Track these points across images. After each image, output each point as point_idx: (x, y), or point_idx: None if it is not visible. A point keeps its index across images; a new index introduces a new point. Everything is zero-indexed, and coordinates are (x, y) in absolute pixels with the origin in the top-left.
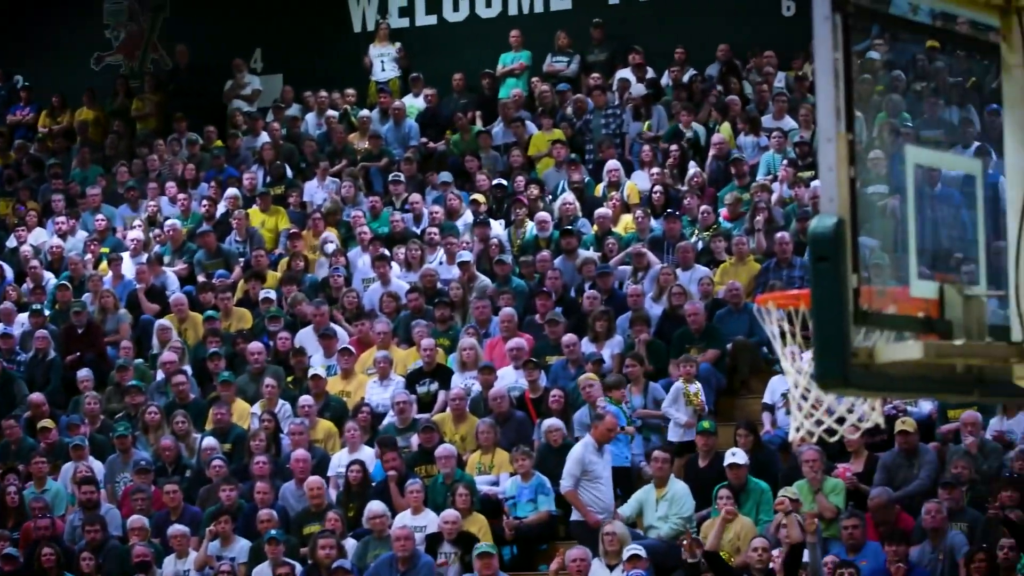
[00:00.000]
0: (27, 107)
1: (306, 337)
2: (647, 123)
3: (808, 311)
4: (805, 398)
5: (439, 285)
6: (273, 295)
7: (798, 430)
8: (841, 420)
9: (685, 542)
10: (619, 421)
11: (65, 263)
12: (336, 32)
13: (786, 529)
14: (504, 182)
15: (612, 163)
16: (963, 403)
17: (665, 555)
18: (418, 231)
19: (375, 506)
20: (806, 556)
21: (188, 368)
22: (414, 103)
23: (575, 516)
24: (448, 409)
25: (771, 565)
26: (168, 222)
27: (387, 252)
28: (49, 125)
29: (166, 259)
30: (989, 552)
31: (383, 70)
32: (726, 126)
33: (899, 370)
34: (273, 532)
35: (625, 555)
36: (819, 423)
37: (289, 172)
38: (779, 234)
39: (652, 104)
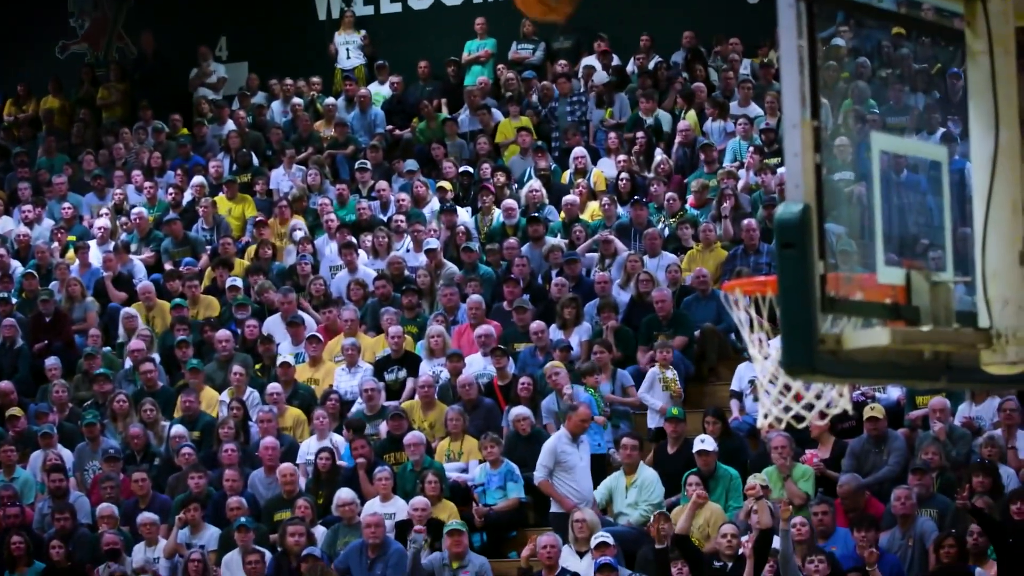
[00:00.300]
0: None
1: (274, 325)
2: (608, 111)
3: (775, 298)
4: (773, 384)
5: (406, 272)
6: (240, 283)
7: (766, 416)
8: (809, 406)
9: (653, 525)
10: (592, 410)
11: (32, 251)
12: (301, 20)
13: (757, 515)
14: (470, 169)
15: (579, 150)
16: (931, 389)
17: (635, 542)
18: (385, 218)
19: (344, 494)
20: (776, 543)
21: (156, 356)
22: (380, 91)
23: (555, 508)
24: (416, 396)
25: (740, 551)
26: (134, 210)
27: (354, 240)
28: (14, 114)
29: (133, 247)
30: (959, 537)
31: (348, 58)
32: (691, 114)
33: (867, 356)
34: (243, 519)
35: (593, 543)
36: (787, 409)
37: (255, 160)
38: (746, 221)
39: (615, 92)
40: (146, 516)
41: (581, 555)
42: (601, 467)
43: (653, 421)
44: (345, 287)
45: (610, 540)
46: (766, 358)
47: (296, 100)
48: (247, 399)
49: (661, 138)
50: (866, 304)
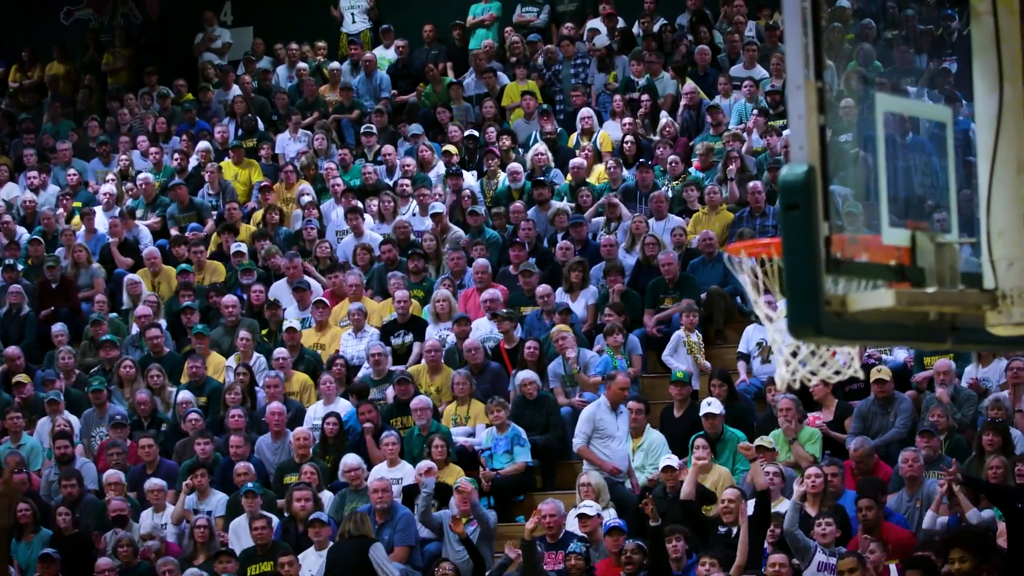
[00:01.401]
0: None
1: (280, 290)
2: (612, 74)
3: (780, 259)
4: (790, 347)
5: (412, 236)
6: (245, 248)
7: (793, 375)
8: (824, 363)
9: (648, 506)
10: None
11: (38, 217)
12: None
13: (751, 477)
14: (476, 133)
15: (585, 111)
16: (938, 351)
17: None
18: (391, 183)
19: (350, 459)
20: (782, 507)
21: (162, 322)
22: (385, 55)
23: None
24: (423, 361)
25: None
26: (140, 176)
27: (360, 204)
28: (19, 80)
29: (138, 213)
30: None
31: (353, 22)
32: (689, 82)
33: (872, 318)
34: (250, 485)
35: (576, 511)
36: (803, 364)
37: (261, 125)
38: (752, 183)
39: (615, 55)
40: (154, 482)
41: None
42: None
43: None
44: (351, 251)
45: (590, 512)
46: (771, 320)
47: (301, 65)
48: (254, 364)
49: (655, 98)
50: (871, 266)
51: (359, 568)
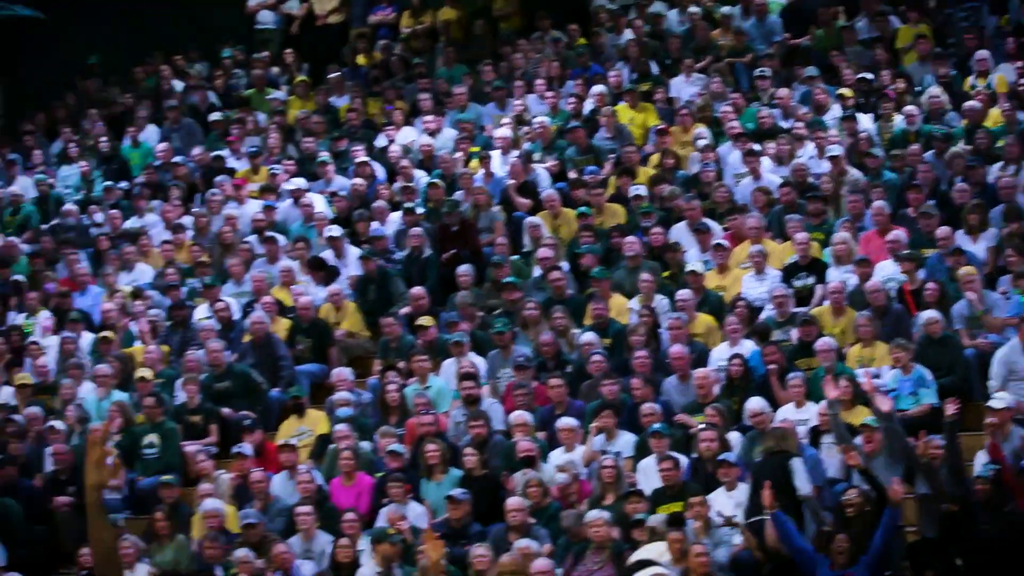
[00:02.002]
0: (389, 7)
1: (680, 232)
2: (1004, 17)
3: None
4: None
5: (810, 179)
6: (644, 191)
7: None
8: None
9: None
10: None
11: (435, 161)
12: None
13: None
14: (870, 76)
15: (981, 52)
16: None
17: None
18: (786, 126)
19: (753, 404)
20: None
21: (564, 264)
22: None
23: None
24: (826, 302)
25: None
26: (537, 119)
27: (757, 147)
28: (412, 25)
29: (535, 156)
30: None
31: None
32: None
33: None
34: (656, 426)
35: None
36: None
37: (654, 69)
38: None
39: None
40: (565, 421)
41: None
42: None
43: None
44: (749, 194)
45: (998, 405)
46: None
47: (693, 9)
48: (656, 306)
49: None
50: None
51: (783, 484)
